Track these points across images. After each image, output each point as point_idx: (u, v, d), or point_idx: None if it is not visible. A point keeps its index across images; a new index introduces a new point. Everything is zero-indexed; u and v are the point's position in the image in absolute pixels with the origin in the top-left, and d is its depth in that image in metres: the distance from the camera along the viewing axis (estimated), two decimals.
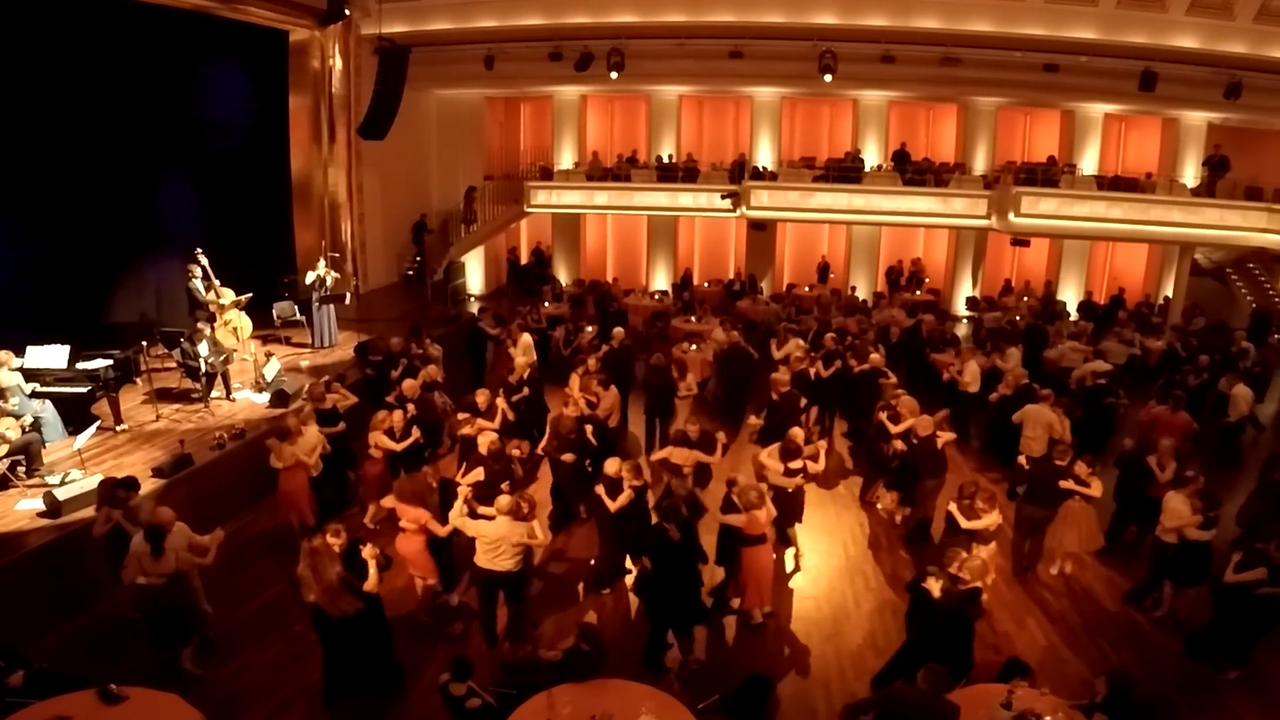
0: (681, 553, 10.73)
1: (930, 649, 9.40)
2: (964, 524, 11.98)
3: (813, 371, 18.25)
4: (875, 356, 18.25)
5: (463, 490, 11.61)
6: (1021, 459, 14.77)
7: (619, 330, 20.27)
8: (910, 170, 28.88)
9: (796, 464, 13.25)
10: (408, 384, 15.61)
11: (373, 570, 9.68)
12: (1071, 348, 21.23)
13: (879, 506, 15.41)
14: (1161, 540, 12.15)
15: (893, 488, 15.22)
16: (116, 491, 11.18)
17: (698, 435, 13.76)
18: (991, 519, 11.95)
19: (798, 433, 13.65)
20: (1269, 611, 10.58)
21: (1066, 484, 12.99)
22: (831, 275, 32.36)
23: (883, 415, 15.41)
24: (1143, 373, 21.52)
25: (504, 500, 10.83)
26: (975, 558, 10.24)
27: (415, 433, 14.33)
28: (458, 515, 10.98)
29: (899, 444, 14.83)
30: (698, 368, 21.77)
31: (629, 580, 12.80)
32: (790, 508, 13.49)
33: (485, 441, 12.96)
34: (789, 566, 13.70)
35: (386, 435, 13.92)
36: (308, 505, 13.51)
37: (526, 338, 19.26)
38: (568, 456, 13.65)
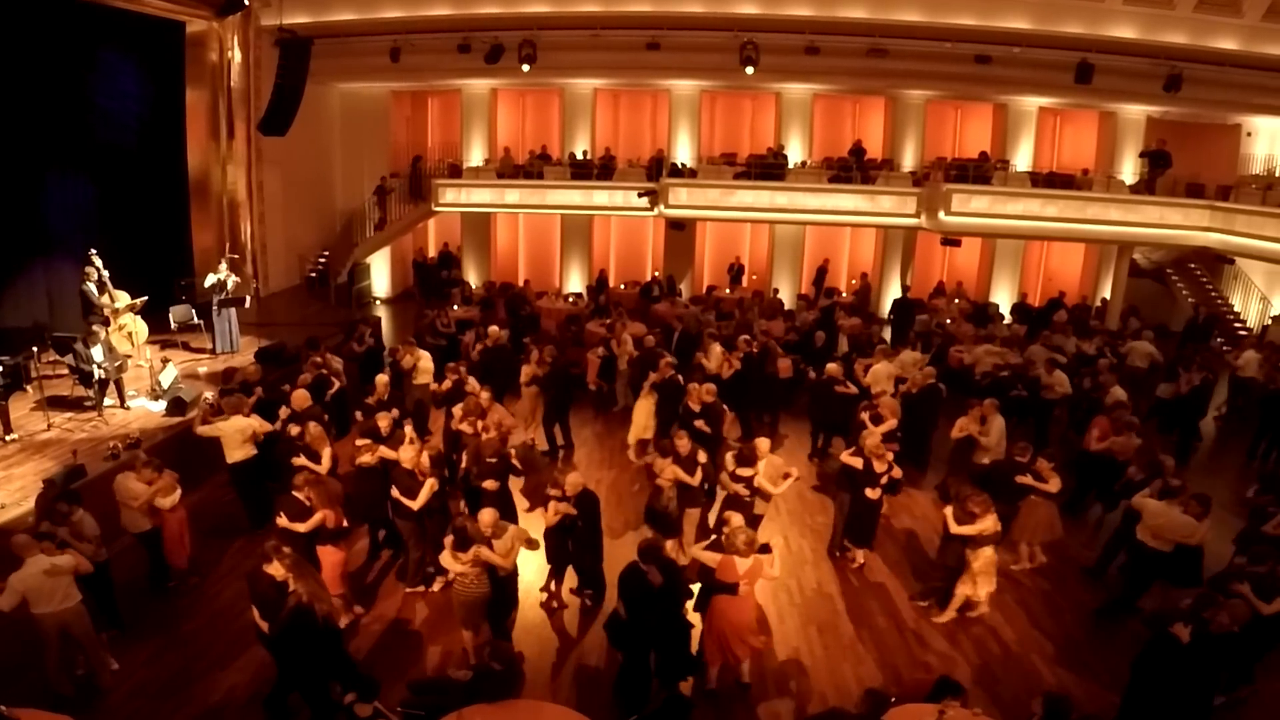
0: (663, 599, 9.93)
1: (1170, 698, 9.18)
2: (954, 529, 11.73)
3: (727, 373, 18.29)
4: (832, 366, 17.83)
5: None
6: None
7: (495, 329, 20.14)
8: (837, 166, 27.87)
9: (746, 471, 12.85)
10: (298, 394, 14.74)
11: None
12: (986, 350, 20.92)
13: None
14: (1153, 550, 11.93)
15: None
16: (57, 505, 10.79)
17: (685, 452, 13.01)
18: (986, 524, 11.60)
19: (762, 444, 13.17)
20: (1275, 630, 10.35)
21: (1024, 479, 13.21)
22: (754, 276, 31.30)
23: (864, 415, 15.25)
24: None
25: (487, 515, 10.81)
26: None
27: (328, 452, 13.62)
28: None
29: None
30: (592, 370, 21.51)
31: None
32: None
33: (409, 458, 12.30)
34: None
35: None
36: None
37: (426, 358, 18.23)
38: (490, 484, 12.80)
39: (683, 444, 13.06)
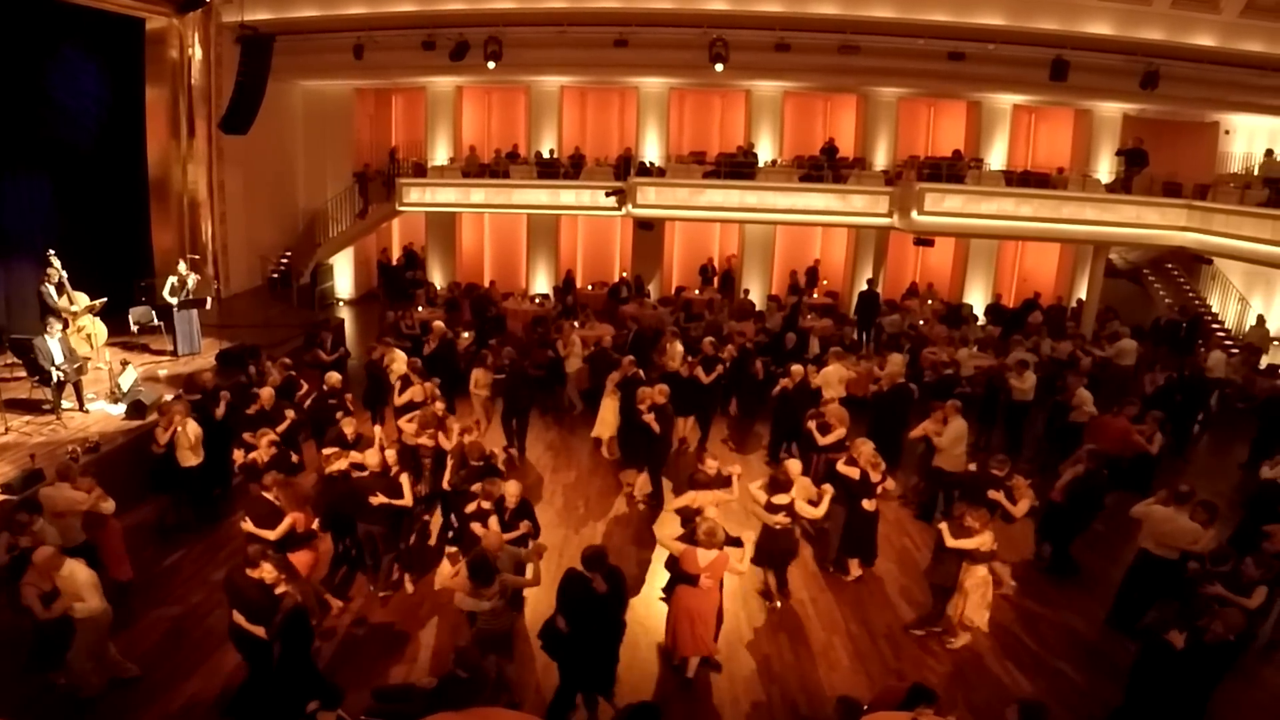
0: (607, 607, 9.73)
1: (1164, 706, 9.32)
2: (950, 541, 11.39)
3: (708, 377, 17.98)
4: (798, 368, 17.54)
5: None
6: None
7: (439, 325, 20.02)
8: (808, 165, 27.55)
9: (782, 499, 12.07)
10: (265, 393, 14.77)
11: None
12: (970, 355, 20.82)
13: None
14: (1157, 558, 11.86)
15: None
16: (17, 515, 10.50)
17: (715, 472, 12.56)
18: (983, 539, 11.31)
19: (793, 466, 12.57)
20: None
21: (996, 495, 12.86)
22: (718, 275, 30.67)
23: (811, 424, 15.00)
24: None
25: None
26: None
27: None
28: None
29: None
30: None
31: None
32: (777, 549, 12.38)
33: (376, 461, 12.18)
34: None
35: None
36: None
37: (402, 357, 17.78)
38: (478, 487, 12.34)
39: (711, 464, 12.70)
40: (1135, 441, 15.30)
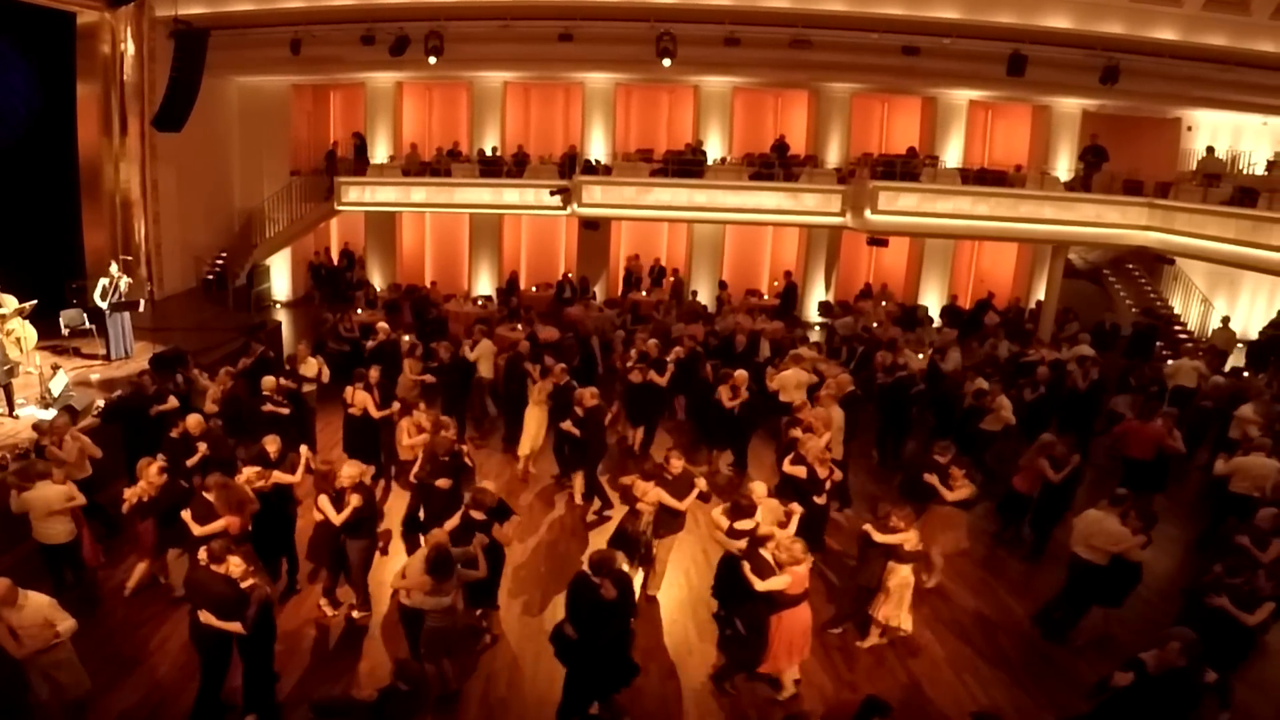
0: (616, 613, 9.61)
1: None
2: (877, 537, 11.33)
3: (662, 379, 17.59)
4: (741, 374, 16.96)
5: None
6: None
7: (383, 325, 19.98)
8: (758, 163, 27.07)
9: (745, 524, 11.56)
10: (192, 420, 13.84)
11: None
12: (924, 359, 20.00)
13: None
14: (1086, 562, 11.74)
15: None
16: None
17: (678, 473, 12.46)
18: (908, 536, 11.29)
19: (758, 488, 12.10)
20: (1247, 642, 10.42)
21: (930, 478, 13.02)
22: (669, 278, 30.00)
23: (795, 431, 14.59)
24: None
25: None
26: None
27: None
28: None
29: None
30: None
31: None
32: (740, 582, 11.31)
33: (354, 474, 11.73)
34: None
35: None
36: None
37: (313, 361, 17.51)
38: (443, 482, 12.68)
39: (676, 465, 12.47)
40: (1170, 445, 15.52)
